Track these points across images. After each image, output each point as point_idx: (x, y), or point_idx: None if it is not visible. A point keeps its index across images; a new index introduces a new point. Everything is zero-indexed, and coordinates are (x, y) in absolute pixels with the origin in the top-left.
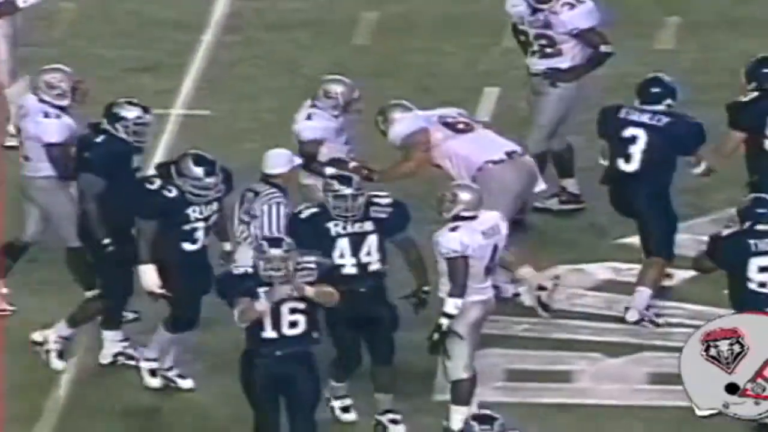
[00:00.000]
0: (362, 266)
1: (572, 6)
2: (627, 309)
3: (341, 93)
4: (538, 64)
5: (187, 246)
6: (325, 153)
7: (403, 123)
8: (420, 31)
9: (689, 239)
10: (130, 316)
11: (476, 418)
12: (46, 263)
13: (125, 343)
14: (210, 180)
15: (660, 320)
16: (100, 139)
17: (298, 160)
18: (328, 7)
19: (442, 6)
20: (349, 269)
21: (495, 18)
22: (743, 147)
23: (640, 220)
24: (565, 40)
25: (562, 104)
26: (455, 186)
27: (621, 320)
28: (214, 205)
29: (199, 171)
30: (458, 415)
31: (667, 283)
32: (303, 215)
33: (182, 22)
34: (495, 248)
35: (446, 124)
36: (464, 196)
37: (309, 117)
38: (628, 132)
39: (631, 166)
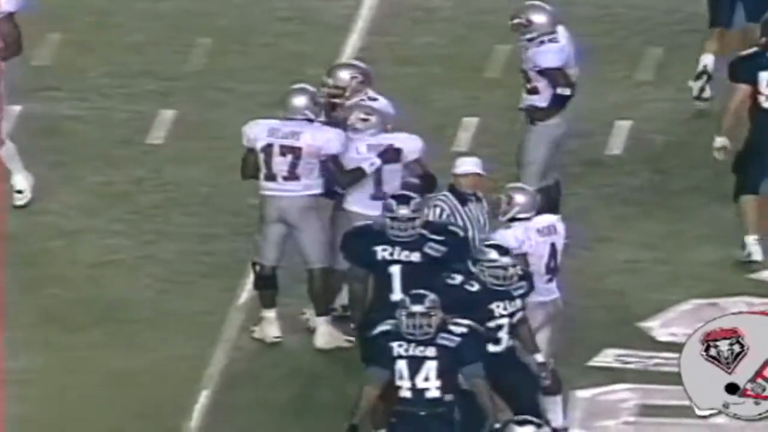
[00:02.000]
0: (418, 391)
1: (541, 43)
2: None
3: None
4: (523, 100)
5: (491, 347)
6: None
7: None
8: None
9: None
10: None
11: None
12: None
13: None
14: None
15: None
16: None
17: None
18: (461, 42)
19: (574, 39)
20: (405, 393)
21: (627, 50)
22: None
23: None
24: (536, 77)
25: (544, 142)
26: (511, 188)
27: None
28: (518, 302)
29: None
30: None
31: None
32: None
33: (315, 56)
34: (553, 247)
35: None
36: (520, 198)
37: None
38: None
39: None
